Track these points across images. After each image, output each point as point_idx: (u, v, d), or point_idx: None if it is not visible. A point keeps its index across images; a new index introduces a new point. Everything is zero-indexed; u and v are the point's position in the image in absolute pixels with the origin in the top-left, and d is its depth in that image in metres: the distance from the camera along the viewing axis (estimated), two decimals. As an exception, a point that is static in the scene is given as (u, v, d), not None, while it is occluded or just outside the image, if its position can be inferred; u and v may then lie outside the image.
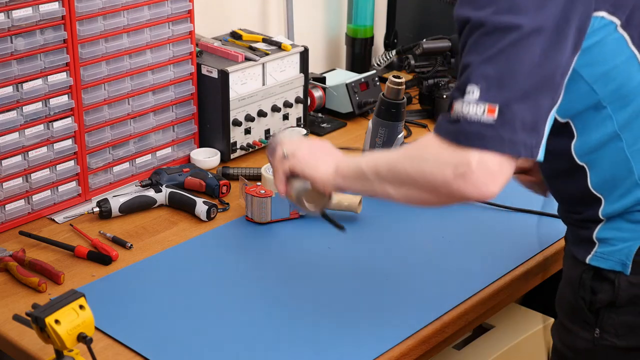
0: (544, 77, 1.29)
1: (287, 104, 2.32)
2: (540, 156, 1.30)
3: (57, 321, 1.31)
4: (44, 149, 1.93)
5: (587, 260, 1.47)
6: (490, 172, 1.28)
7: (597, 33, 1.34)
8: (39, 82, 1.88)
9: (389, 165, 1.41)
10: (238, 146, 2.25)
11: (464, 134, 1.28)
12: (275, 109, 2.30)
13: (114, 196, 1.98)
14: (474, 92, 1.28)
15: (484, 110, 1.27)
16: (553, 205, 1.96)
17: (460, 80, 1.31)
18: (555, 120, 1.39)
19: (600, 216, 1.46)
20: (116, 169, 2.09)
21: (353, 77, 2.55)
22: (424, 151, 1.35)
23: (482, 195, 1.29)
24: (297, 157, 1.58)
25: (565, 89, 1.33)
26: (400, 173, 1.38)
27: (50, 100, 1.91)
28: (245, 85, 2.22)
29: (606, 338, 1.47)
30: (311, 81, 2.48)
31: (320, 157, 1.57)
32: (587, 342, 1.49)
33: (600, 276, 1.46)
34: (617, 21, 1.35)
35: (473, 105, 1.27)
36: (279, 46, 2.30)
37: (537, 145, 1.29)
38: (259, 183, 2.01)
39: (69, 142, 1.97)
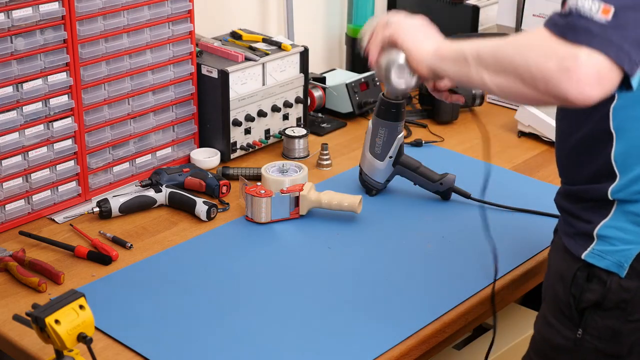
0: None
1: (287, 104, 2.32)
2: (636, 81, 1.25)
3: (57, 321, 1.31)
4: (44, 149, 1.93)
5: (583, 256, 1.44)
6: (597, 72, 1.22)
7: None
8: (39, 82, 1.88)
9: (493, 50, 1.35)
10: (238, 146, 2.25)
11: (573, 28, 1.23)
12: (275, 109, 2.30)
13: (114, 196, 1.98)
14: None
15: (598, 8, 1.23)
16: (553, 206, 1.97)
17: None
18: None
19: (609, 195, 1.41)
20: (116, 169, 2.09)
21: (353, 77, 2.55)
22: (532, 40, 1.30)
23: (581, 96, 1.23)
24: (402, 27, 1.54)
25: None
26: (502, 58, 1.32)
27: (50, 100, 1.91)
28: (245, 85, 2.22)
29: (588, 340, 1.45)
30: (311, 81, 2.48)
31: (425, 33, 1.53)
32: (568, 341, 1.47)
33: (592, 274, 1.43)
34: None
35: (588, 1, 1.23)
36: (279, 46, 2.30)
37: (638, 64, 1.23)
38: (259, 183, 2.01)
39: (69, 142, 1.97)
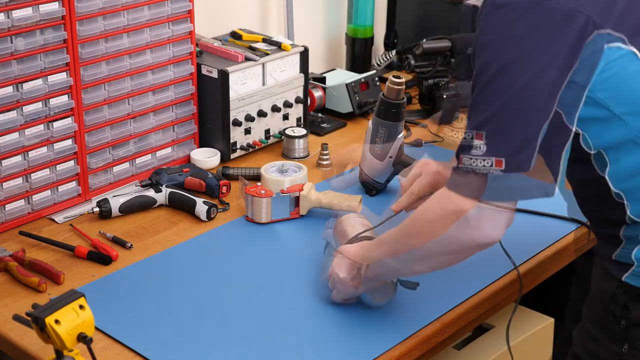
0: (547, 115, 1.34)
1: (287, 104, 2.32)
2: (531, 167, 1.37)
3: (57, 321, 1.31)
4: (44, 149, 1.93)
5: (624, 278, 1.46)
6: (489, 216, 1.38)
7: (616, 63, 1.36)
8: (39, 82, 1.88)
9: (406, 247, 1.49)
10: (238, 146, 2.25)
11: (474, 187, 1.36)
12: (275, 109, 2.30)
13: (114, 196, 1.98)
14: (480, 147, 1.35)
15: (492, 164, 1.34)
16: (553, 206, 1.96)
17: (467, 134, 1.37)
18: (585, 151, 1.43)
19: None
20: (116, 169, 2.09)
21: (353, 77, 2.55)
22: (431, 218, 1.44)
23: (488, 237, 1.39)
24: (336, 289, 1.65)
25: (593, 121, 1.39)
26: (419, 249, 1.47)
27: (50, 100, 1.91)
28: (245, 85, 2.22)
29: (634, 354, 1.47)
30: (311, 81, 2.48)
31: (345, 267, 1.63)
32: (614, 355, 1.49)
33: (636, 295, 1.46)
34: (636, 50, 1.36)
35: (481, 160, 1.35)
36: (279, 46, 2.30)
37: (528, 159, 1.36)
38: (259, 183, 2.01)
39: (69, 142, 1.97)
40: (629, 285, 1.46)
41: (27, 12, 1.82)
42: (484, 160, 1.34)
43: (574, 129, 1.37)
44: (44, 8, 1.84)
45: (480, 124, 1.35)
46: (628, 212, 1.44)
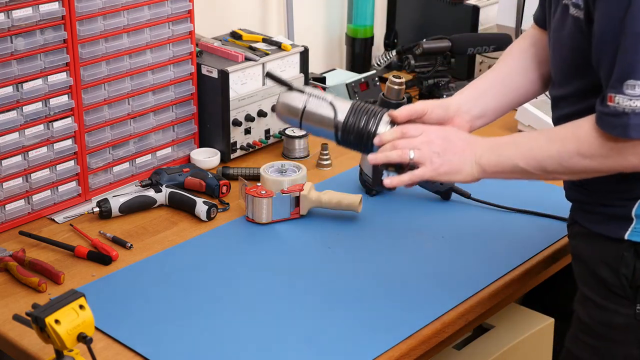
0: None
1: (287, 104, 2.32)
2: None
3: (57, 321, 1.31)
4: (44, 149, 1.93)
5: (626, 237, 1.46)
6: None
7: None
8: (39, 82, 1.88)
9: (559, 163, 1.44)
10: (238, 146, 2.25)
11: (635, 128, 1.33)
12: (275, 109, 2.29)
13: (114, 196, 1.98)
14: (637, 86, 1.31)
15: None
16: (553, 206, 1.97)
17: (620, 71, 1.33)
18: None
19: None
20: (116, 169, 2.09)
21: (353, 77, 2.55)
22: (597, 145, 1.39)
23: None
24: (432, 163, 1.53)
25: None
26: (576, 169, 1.43)
27: (50, 100, 1.91)
28: (245, 85, 2.22)
29: None
30: (311, 81, 2.48)
31: (457, 157, 1.53)
32: (628, 318, 1.49)
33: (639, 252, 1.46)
34: None
35: (635, 100, 1.31)
36: (279, 46, 2.30)
37: None
38: (258, 183, 2.01)
39: (69, 142, 1.97)
40: (633, 243, 1.46)
41: (27, 12, 1.82)
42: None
43: None
44: (44, 8, 1.84)
45: (635, 62, 1.31)
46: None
